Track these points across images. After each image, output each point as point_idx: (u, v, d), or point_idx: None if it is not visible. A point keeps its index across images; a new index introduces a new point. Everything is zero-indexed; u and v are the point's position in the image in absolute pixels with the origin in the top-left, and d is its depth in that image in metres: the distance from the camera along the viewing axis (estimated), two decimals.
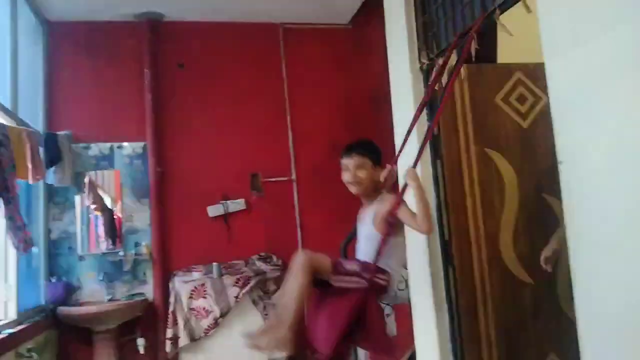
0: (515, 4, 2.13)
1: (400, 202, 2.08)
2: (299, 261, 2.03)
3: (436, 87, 2.60)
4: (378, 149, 2.49)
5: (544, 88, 3.03)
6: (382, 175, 2.27)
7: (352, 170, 2.37)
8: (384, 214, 2.12)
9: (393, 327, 3.74)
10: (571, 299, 2.85)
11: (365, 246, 2.21)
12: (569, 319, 2.85)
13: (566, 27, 1.76)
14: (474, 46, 2.15)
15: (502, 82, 2.99)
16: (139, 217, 4.17)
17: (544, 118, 3.00)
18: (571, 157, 1.76)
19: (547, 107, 3.02)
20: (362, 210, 2.27)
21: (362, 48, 4.80)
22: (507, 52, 3.22)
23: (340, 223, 4.40)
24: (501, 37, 3.11)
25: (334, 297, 2.07)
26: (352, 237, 3.74)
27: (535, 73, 2.99)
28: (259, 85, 4.57)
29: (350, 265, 2.09)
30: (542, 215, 2.90)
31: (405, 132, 2.63)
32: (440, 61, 2.86)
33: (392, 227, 2.13)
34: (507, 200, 2.89)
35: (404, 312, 3.60)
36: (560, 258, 2.89)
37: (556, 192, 2.95)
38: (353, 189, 2.36)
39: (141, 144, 4.23)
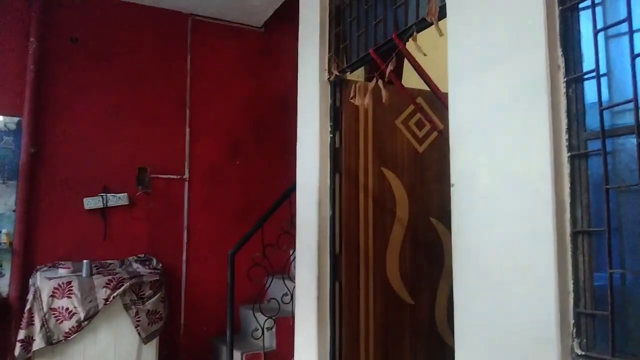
0: (427, 27, 2.17)
1: None
2: None
3: (354, 102, 2.59)
4: None
5: (441, 116, 3.18)
6: None
7: None
8: None
9: (273, 340, 3.64)
10: (447, 322, 2.96)
11: None
12: (443, 341, 2.95)
13: (471, 55, 1.81)
14: (390, 67, 2.16)
15: (404, 105, 3.07)
16: (2, 201, 3.67)
17: (437, 146, 3.13)
18: (463, 180, 1.81)
19: (441, 135, 3.17)
20: None
21: (272, 53, 4.73)
22: (408, 77, 3.32)
23: (232, 230, 4.24)
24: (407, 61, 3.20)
25: None
26: (241, 246, 3.60)
27: (435, 101, 3.11)
28: (159, 74, 4.29)
29: None
30: (428, 238, 2.99)
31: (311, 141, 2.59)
32: (349, 75, 2.88)
33: None
34: (397, 220, 2.95)
35: (286, 326, 3.53)
36: (441, 283, 2.99)
37: (442, 217, 3.09)
38: None
39: (15, 119, 3.76)
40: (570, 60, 1.47)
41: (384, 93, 2.35)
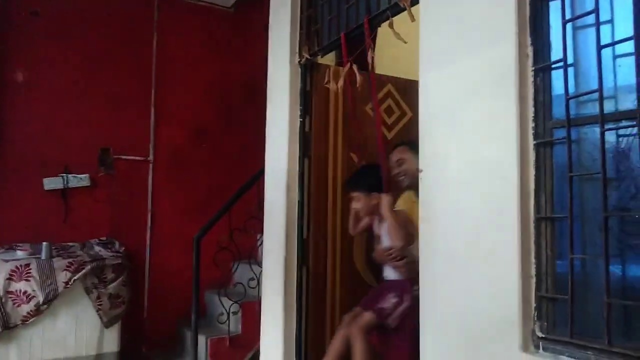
0: (400, 12, 2.17)
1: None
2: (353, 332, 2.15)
3: (328, 87, 2.58)
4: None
5: (411, 104, 3.20)
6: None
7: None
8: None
9: (239, 325, 3.63)
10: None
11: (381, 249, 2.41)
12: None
13: (443, 42, 1.82)
14: (371, 54, 2.15)
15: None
16: None
17: (407, 132, 3.15)
18: (432, 166, 1.82)
19: (410, 122, 3.19)
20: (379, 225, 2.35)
21: (241, 35, 4.65)
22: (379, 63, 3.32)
23: (197, 214, 4.17)
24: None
25: (398, 335, 2.17)
26: (207, 230, 3.56)
27: (405, 88, 3.13)
28: (124, 52, 4.16)
29: (389, 302, 2.18)
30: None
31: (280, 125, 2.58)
32: (320, 59, 2.86)
33: (410, 236, 2.25)
34: None
35: (252, 310, 3.52)
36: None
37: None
38: None
39: None
40: (539, 49, 1.49)
41: (358, 79, 2.35)
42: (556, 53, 1.46)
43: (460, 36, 1.73)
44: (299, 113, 2.92)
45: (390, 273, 2.39)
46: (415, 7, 2.05)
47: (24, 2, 3.82)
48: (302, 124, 2.88)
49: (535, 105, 1.49)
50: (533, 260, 1.45)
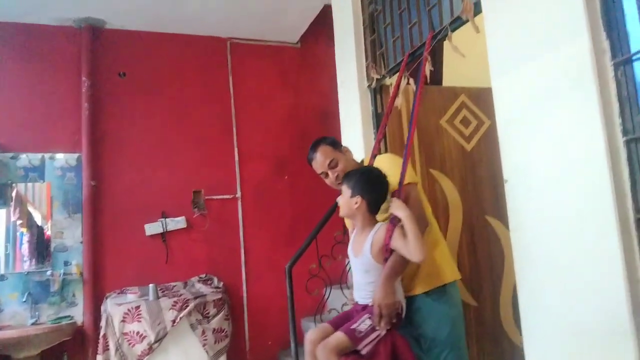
0: (463, 24, 2.16)
1: (393, 230, 1.88)
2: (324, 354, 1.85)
3: (395, 105, 2.58)
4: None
5: (487, 112, 3.12)
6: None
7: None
8: (382, 245, 1.91)
9: None
10: (514, 320, 2.88)
11: (365, 279, 1.97)
12: (511, 341, 2.88)
13: (511, 47, 1.79)
14: (428, 67, 2.14)
15: (447, 105, 3.03)
16: (70, 234, 3.89)
17: (487, 141, 3.07)
18: (516, 175, 1.77)
19: (489, 130, 3.11)
20: (355, 241, 2.06)
21: (309, 66, 4.79)
22: (449, 76, 3.29)
23: (286, 244, 4.30)
24: (446, 60, 3.18)
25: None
26: (297, 259, 3.65)
27: (479, 97, 3.07)
28: (204, 99, 4.44)
29: (363, 324, 1.85)
30: (485, 237, 2.93)
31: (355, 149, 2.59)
32: (389, 80, 2.88)
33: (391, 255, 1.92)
34: (451, 221, 2.91)
35: None
36: (503, 281, 2.92)
37: (498, 213, 3.02)
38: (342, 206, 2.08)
39: (75, 155, 3.98)
40: (616, 42, 1.43)
41: (412, 91, 2.32)
42: (636, 43, 1.38)
43: (528, 39, 1.69)
44: (373, 135, 2.95)
45: (361, 296, 2.00)
46: (479, 17, 2.03)
47: (113, 66, 4.21)
48: (379, 147, 2.90)
49: (620, 100, 1.42)
50: (639, 263, 1.36)
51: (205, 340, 3.62)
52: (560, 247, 1.58)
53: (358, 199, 1.97)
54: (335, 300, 3.85)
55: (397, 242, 1.85)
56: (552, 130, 1.61)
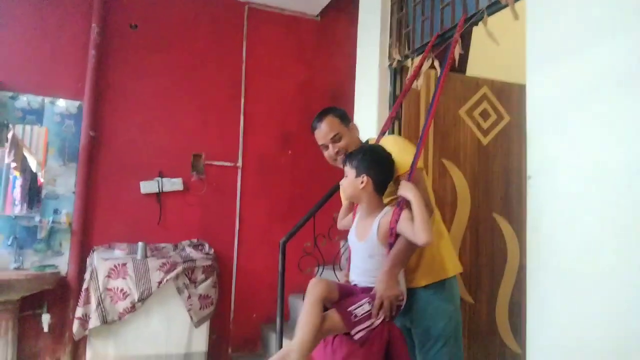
0: (501, 9, 2.05)
1: (400, 213, 1.80)
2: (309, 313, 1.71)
3: (414, 86, 2.45)
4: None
5: (508, 107, 3.02)
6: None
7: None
8: (388, 228, 1.81)
9: None
10: (509, 323, 2.82)
11: (369, 265, 1.87)
12: (504, 344, 2.82)
13: (553, 40, 1.68)
14: (458, 50, 2.02)
15: (469, 95, 2.94)
16: (63, 182, 3.78)
17: (504, 138, 2.98)
18: (541, 172, 1.68)
19: (508, 126, 3.01)
20: (359, 225, 1.94)
21: (327, 42, 4.66)
22: (472, 66, 3.18)
23: (282, 220, 4.22)
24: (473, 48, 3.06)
25: (360, 347, 1.73)
26: (293, 234, 3.57)
27: (502, 91, 2.97)
28: (215, 62, 4.30)
29: (361, 309, 1.75)
30: (490, 235, 2.85)
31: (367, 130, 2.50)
32: (413, 61, 2.77)
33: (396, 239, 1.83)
34: (458, 214, 2.83)
35: None
36: (502, 283, 2.86)
37: (506, 213, 2.95)
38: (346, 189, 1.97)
39: (76, 102, 3.85)
40: None
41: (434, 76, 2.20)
42: None
43: (574, 31, 1.58)
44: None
45: (363, 281, 1.89)
46: (520, 3, 1.92)
47: (124, 16, 4.06)
48: (392, 128, 2.81)
49: None
50: None
51: (191, 305, 3.55)
52: (579, 254, 1.50)
53: (364, 178, 1.87)
54: None
55: (403, 225, 1.77)
56: (586, 129, 1.52)
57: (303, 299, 3.58)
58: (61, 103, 3.83)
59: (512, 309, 2.84)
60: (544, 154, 1.68)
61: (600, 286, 1.41)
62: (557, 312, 1.55)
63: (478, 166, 2.87)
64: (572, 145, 1.57)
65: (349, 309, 1.75)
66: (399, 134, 2.78)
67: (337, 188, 3.65)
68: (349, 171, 1.91)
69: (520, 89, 2.99)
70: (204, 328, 3.63)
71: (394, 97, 2.87)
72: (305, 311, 1.72)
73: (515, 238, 2.89)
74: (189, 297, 3.55)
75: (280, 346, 3.48)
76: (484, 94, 2.92)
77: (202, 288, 3.61)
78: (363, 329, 1.73)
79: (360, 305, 1.77)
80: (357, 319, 1.73)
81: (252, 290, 4.17)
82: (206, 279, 3.64)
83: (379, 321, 1.75)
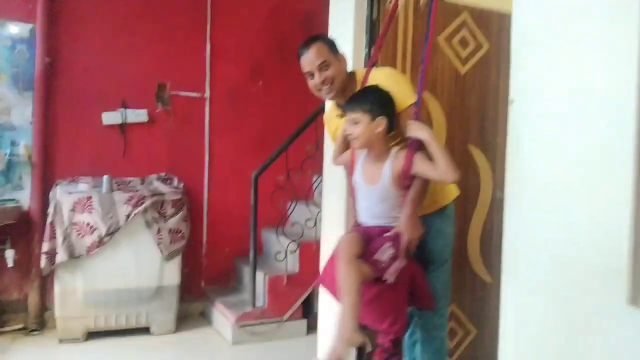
0: None
1: (413, 155, 1.77)
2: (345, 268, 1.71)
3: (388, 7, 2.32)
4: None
5: (487, 34, 2.92)
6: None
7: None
8: (400, 171, 1.80)
9: (296, 264, 3.61)
10: (480, 255, 2.86)
11: (382, 208, 1.87)
12: (475, 274, 2.88)
13: None
14: None
15: (448, 21, 2.81)
16: (19, 112, 3.55)
17: (482, 67, 2.90)
18: (524, 96, 1.62)
19: (486, 55, 2.93)
20: (366, 169, 1.88)
21: None
22: None
23: (253, 153, 4.10)
24: None
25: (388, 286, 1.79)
26: (265, 168, 3.50)
27: (481, 17, 2.86)
28: None
29: (386, 254, 1.77)
30: (464, 166, 2.83)
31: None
32: None
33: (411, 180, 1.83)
34: None
35: (309, 250, 3.49)
36: (474, 214, 2.87)
37: (481, 144, 2.92)
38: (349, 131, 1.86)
39: (29, 26, 3.55)
40: None
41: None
42: None
43: None
44: (364, 44, 2.72)
45: (378, 223, 1.89)
46: None
47: None
48: (368, 55, 2.69)
49: None
50: None
51: (161, 239, 3.48)
52: (561, 180, 1.46)
53: (382, 120, 1.81)
54: (299, 215, 3.77)
55: (421, 166, 1.76)
56: (570, 56, 1.45)
57: (276, 234, 3.56)
58: (11, 26, 3.53)
59: (484, 240, 2.87)
60: (528, 76, 1.61)
61: (585, 204, 1.39)
62: (537, 238, 1.54)
63: (454, 96, 2.79)
64: (557, 68, 1.50)
65: (375, 257, 1.78)
66: (376, 61, 2.66)
67: (310, 121, 3.57)
68: (361, 116, 1.83)
69: (501, 17, 2.88)
70: (176, 262, 3.58)
71: (371, 23, 2.72)
72: (345, 273, 1.71)
73: (489, 170, 2.88)
74: (159, 231, 3.48)
75: (254, 279, 3.50)
76: (464, 20, 2.79)
77: (172, 222, 3.53)
78: (394, 271, 1.76)
79: (385, 251, 1.79)
80: (384, 265, 1.77)
81: (224, 224, 4.13)
82: (176, 213, 3.56)
83: (405, 261, 1.78)
